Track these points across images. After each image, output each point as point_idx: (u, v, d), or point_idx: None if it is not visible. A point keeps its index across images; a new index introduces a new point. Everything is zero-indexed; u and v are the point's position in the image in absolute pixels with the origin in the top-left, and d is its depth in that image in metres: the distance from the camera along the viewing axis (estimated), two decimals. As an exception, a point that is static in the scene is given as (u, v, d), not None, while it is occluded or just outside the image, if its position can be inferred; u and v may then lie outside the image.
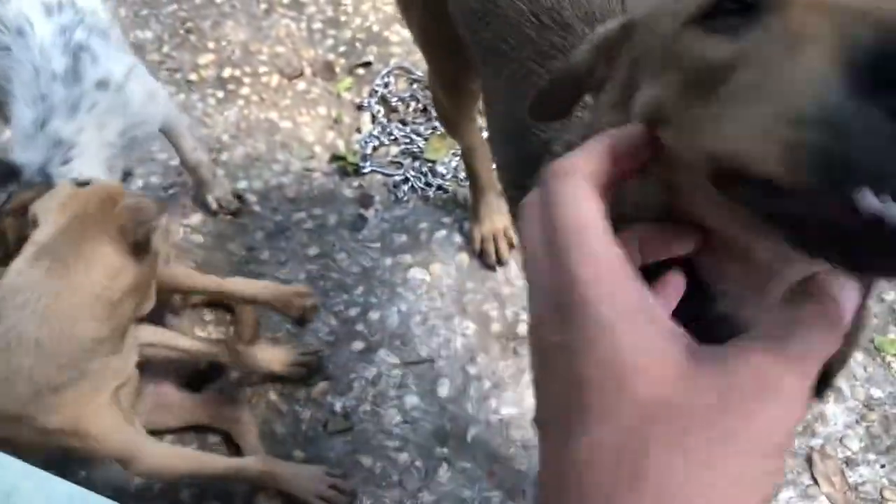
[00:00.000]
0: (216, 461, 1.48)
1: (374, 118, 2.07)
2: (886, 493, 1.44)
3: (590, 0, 1.05)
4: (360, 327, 1.74)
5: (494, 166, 1.28)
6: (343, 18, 2.32)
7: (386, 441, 1.60)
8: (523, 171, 1.05)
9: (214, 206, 1.88)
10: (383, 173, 1.98)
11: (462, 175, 1.92)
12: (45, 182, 1.32)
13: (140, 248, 1.29)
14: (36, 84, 1.36)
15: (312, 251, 1.87)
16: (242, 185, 2.00)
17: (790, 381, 0.36)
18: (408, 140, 2.01)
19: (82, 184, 1.30)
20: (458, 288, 1.77)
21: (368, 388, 1.66)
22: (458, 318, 1.73)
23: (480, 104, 1.57)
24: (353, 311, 1.76)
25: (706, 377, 0.35)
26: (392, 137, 2.03)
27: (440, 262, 1.82)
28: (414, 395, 1.65)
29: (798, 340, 0.37)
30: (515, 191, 1.13)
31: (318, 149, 2.05)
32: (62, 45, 1.40)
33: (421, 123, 2.05)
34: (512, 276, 1.78)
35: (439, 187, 1.93)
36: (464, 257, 1.82)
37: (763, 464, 0.35)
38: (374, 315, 1.75)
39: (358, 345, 1.72)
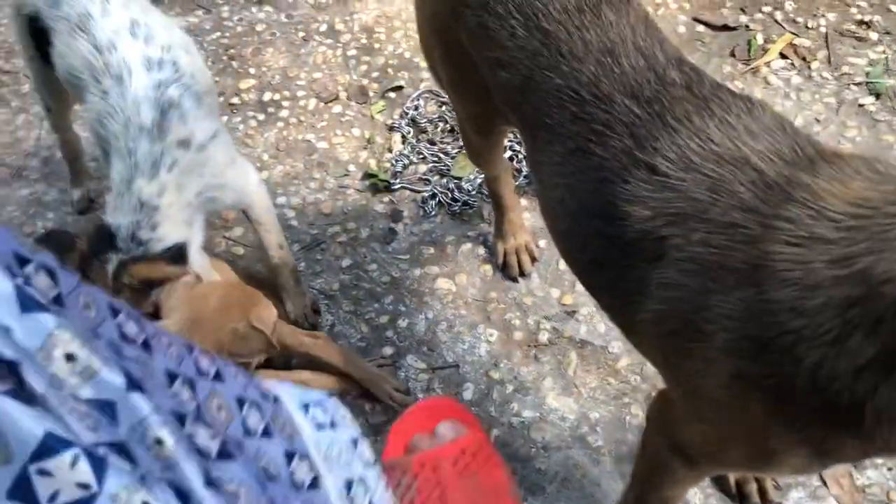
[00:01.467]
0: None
1: (404, 139, 2.14)
2: (893, 496, 1.46)
3: (623, 71, 1.07)
4: (389, 334, 1.79)
5: (550, 232, 1.25)
6: (377, 46, 2.39)
7: (413, 441, 1.64)
8: (605, 251, 1.04)
9: (291, 316, 1.78)
10: (412, 189, 2.04)
11: (486, 191, 1.97)
12: (144, 251, 1.39)
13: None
14: (126, 136, 1.40)
15: (345, 263, 1.92)
16: (281, 200, 2.06)
17: None
18: (436, 159, 2.07)
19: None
20: (483, 297, 1.82)
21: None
22: (482, 325, 1.78)
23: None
24: (383, 319, 1.82)
25: None
26: (421, 156, 2.09)
27: (465, 273, 1.87)
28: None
29: None
30: (581, 256, 1.13)
31: (352, 167, 2.11)
32: (154, 99, 1.42)
33: (448, 143, 2.11)
34: (533, 287, 1.83)
35: (465, 203, 1.98)
36: (488, 269, 1.87)
37: None
38: (402, 322, 1.80)
39: (387, 350, 1.77)
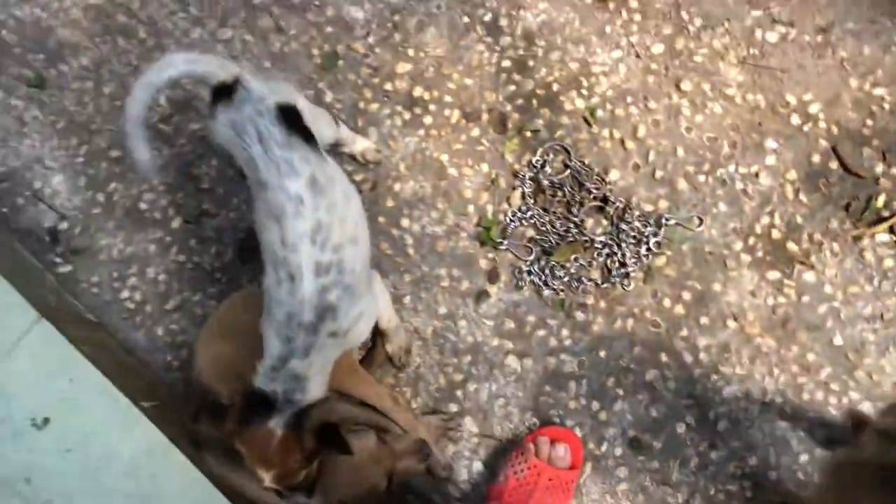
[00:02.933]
0: None
1: (523, 195, 2.29)
2: None
3: None
4: (458, 393, 2.20)
5: None
6: (531, 63, 2.39)
7: (451, 489, 2.14)
8: None
9: (388, 350, 2.15)
10: (514, 255, 2.27)
11: (575, 284, 2.22)
12: (297, 408, 1.62)
13: None
14: (287, 326, 1.58)
15: (442, 310, 2.25)
16: (405, 223, 2.31)
17: None
18: (544, 231, 2.26)
19: None
20: (538, 389, 2.18)
21: (450, 445, 2.17)
22: (529, 413, 2.17)
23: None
24: (458, 377, 2.21)
25: None
26: (532, 222, 2.27)
27: (532, 358, 2.20)
28: (479, 463, 2.16)
29: None
30: None
31: (471, 208, 2.31)
32: (315, 304, 1.58)
33: (559, 218, 2.27)
34: (582, 393, 2.17)
35: (554, 289, 2.23)
36: (552, 362, 2.20)
37: None
38: (471, 386, 2.20)
39: (453, 407, 2.19)
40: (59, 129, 2.41)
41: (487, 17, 2.43)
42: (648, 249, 2.23)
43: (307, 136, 1.64)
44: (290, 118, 1.63)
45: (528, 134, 2.35)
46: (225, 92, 1.66)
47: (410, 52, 2.42)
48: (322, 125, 1.92)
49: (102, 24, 2.48)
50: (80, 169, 2.38)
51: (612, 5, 2.41)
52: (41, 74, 2.45)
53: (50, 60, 2.46)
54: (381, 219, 2.31)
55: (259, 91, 1.64)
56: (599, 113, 2.35)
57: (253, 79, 1.68)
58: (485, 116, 2.37)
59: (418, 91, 2.40)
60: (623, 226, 2.24)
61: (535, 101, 2.37)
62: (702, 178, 2.29)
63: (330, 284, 1.61)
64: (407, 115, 2.38)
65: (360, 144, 2.31)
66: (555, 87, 2.37)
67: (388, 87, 2.40)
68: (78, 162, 2.39)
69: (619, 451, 2.14)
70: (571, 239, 2.26)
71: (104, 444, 1.85)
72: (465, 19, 2.43)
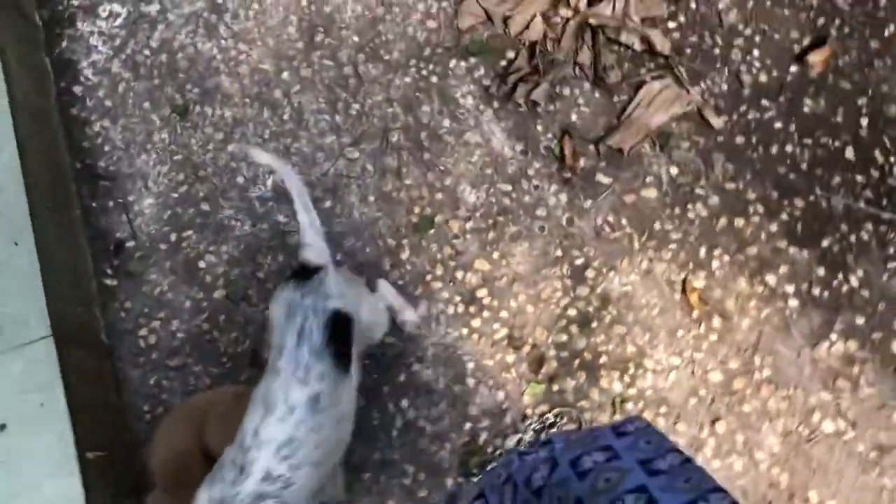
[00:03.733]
0: None
1: (519, 443, 2.26)
2: None
3: None
4: (361, 588, 2.18)
5: None
6: (594, 324, 2.36)
7: None
8: None
9: None
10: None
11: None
12: None
13: None
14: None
15: (390, 504, 2.24)
16: (403, 403, 2.32)
17: None
18: (518, 486, 2.22)
19: None
20: None
21: None
22: None
23: None
24: (369, 573, 2.19)
25: None
26: (513, 471, 2.23)
27: None
28: None
29: None
30: None
31: (468, 426, 2.30)
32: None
33: (538, 482, 2.23)
34: None
35: (497, 545, 2.18)
36: None
37: None
38: (375, 589, 2.18)
39: None
40: (174, 160, 2.56)
41: (579, 261, 2.42)
42: (601, 561, 2.15)
43: (341, 353, 1.66)
44: (338, 328, 1.66)
45: (556, 388, 2.32)
46: (305, 272, 1.71)
47: (495, 255, 2.44)
48: (376, 330, 1.94)
49: (259, 90, 2.62)
50: (171, 203, 2.52)
51: (695, 313, 2.35)
52: (188, 106, 2.61)
53: (201, 97, 2.62)
54: (385, 388, 2.33)
55: (329, 290, 1.67)
56: (629, 406, 2.29)
57: (335, 276, 1.70)
58: (526, 349, 2.36)
59: (483, 293, 2.41)
60: (590, 525, 2.17)
61: (577, 361, 2.34)
62: (688, 522, 2.19)
63: (269, 494, 1.60)
64: (461, 309, 2.40)
65: (406, 315, 2.33)
66: (603, 358, 2.34)
67: (459, 275, 2.43)
68: (173, 196, 2.53)
69: None
70: (537, 509, 2.20)
71: (32, 475, 1.94)
72: (559, 252, 2.43)
